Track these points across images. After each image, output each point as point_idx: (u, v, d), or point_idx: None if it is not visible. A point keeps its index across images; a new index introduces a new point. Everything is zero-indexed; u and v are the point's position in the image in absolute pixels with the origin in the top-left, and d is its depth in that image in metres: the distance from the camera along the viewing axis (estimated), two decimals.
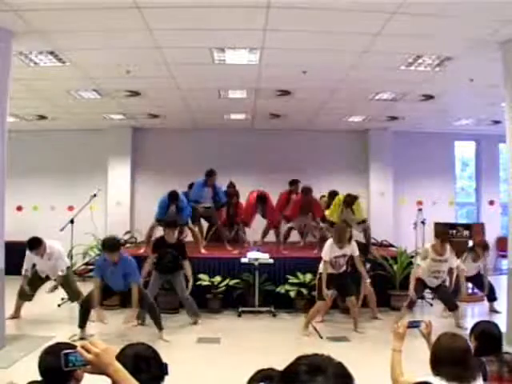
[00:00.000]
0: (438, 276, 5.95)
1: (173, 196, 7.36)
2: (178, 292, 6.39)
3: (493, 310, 6.87)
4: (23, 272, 6.31)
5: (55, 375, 2.02)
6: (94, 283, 5.64)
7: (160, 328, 5.64)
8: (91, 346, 1.34)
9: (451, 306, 6.07)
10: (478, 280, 7.01)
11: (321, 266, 5.92)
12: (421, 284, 6.01)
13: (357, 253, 5.99)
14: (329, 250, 5.83)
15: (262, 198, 7.88)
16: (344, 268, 6.00)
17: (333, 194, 8.37)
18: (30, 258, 6.25)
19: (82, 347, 1.34)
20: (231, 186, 8.73)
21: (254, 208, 7.98)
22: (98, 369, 1.34)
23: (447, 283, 6.11)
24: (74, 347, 2.16)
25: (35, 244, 6.04)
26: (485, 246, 6.92)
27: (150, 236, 7.48)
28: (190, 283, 6.28)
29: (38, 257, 6.13)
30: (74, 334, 5.51)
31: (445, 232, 6.02)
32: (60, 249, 6.35)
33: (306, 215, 8.05)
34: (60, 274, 6.23)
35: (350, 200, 7.15)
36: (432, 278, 5.96)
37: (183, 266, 6.33)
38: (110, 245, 5.49)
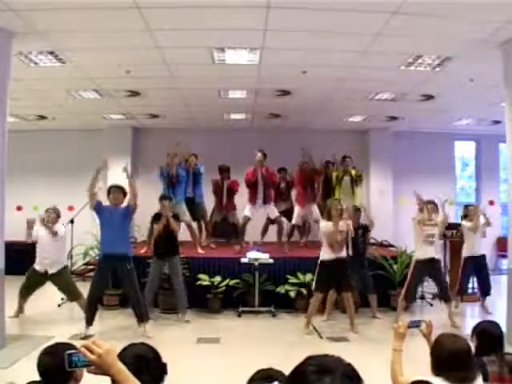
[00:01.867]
0: (432, 241, 6.17)
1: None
2: (173, 278, 6.45)
3: (483, 306, 6.95)
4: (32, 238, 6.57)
5: (54, 375, 2.02)
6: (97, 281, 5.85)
7: (140, 321, 5.74)
8: (94, 347, 1.34)
9: (446, 297, 6.23)
10: (481, 274, 7.02)
11: (322, 252, 6.05)
12: (419, 269, 6.13)
13: (351, 228, 6.10)
14: (325, 225, 6.00)
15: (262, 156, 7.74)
16: (344, 252, 6.01)
17: (328, 163, 8.66)
18: (36, 230, 6.48)
19: (85, 347, 1.34)
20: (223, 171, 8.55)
21: (255, 174, 7.76)
22: (101, 369, 1.34)
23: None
24: (74, 347, 2.16)
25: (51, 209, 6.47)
26: (475, 207, 7.35)
27: (151, 235, 7.51)
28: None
29: (47, 228, 6.31)
30: (75, 334, 5.52)
31: (430, 200, 6.39)
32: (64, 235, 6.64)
33: (312, 200, 8.05)
34: (50, 272, 6.25)
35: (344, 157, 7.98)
36: (427, 245, 6.14)
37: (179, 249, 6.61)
38: (117, 186, 5.94)
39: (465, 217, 7.35)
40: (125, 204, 5.88)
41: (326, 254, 5.96)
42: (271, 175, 7.91)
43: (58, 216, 6.51)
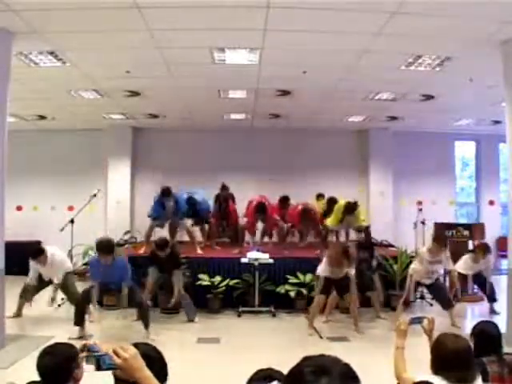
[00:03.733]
0: (432, 276, 6.10)
1: (164, 192, 7.40)
2: (175, 288, 6.40)
3: (492, 311, 6.89)
4: (28, 280, 6.31)
5: (54, 375, 2.02)
6: (92, 285, 5.70)
7: (146, 326, 5.67)
8: (120, 351, 1.35)
9: (445, 305, 6.18)
10: (478, 278, 7.00)
11: (320, 267, 5.99)
12: (416, 283, 6.15)
13: (352, 272, 5.96)
14: (324, 269, 5.92)
15: (262, 208, 7.89)
16: (344, 272, 5.99)
17: (331, 201, 8.45)
18: (34, 267, 6.26)
19: (113, 351, 1.35)
20: (224, 188, 8.75)
21: (254, 218, 7.96)
22: (126, 373, 1.35)
23: (447, 284, 6.16)
24: (74, 347, 2.16)
25: (37, 253, 6.07)
26: (485, 249, 6.92)
27: (149, 236, 7.50)
28: (175, 294, 6.22)
29: (41, 265, 6.16)
30: (75, 334, 5.51)
31: (443, 237, 6.13)
32: (61, 256, 6.39)
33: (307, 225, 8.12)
34: (56, 281, 6.22)
35: (351, 207, 7.39)
36: (426, 279, 6.11)
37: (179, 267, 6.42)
38: (104, 247, 5.56)
39: (472, 251, 7.11)
40: (121, 269, 5.68)
41: (323, 271, 5.95)
42: (271, 217, 8.03)
43: (42, 252, 6.10)
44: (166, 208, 7.49)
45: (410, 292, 6.12)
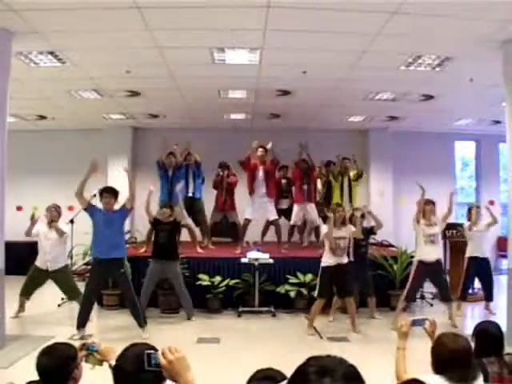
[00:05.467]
0: (434, 240, 6.12)
1: (169, 153, 7.77)
2: (174, 284, 6.44)
3: (488, 309, 6.92)
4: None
5: (53, 375, 2.02)
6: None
7: (140, 325, 5.71)
8: (167, 352, 1.37)
9: (446, 297, 6.18)
10: (483, 272, 6.99)
11: (323, 258, 6.00)
12: (421, 270, 6.09)
13: (351, 235, 6.08)
14: (327, 231, 5.94)
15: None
16: (346, 258, 5.99)
17: (328, 164, 8.83)
18: (37, 229, 6.43)
19: (162, 352, 1.41)
20: (223, 166, 8.63)
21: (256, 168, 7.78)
22: (170, 375, 1.37)
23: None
24: (73, 347, 2.16)
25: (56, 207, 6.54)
26: (477, 206, 7.34)
27: (149, 237, 7.50)
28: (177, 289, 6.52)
29: (46, 226, 6.34)
30: (74, 334, 5.51)
31: (430, 200, 6.41)
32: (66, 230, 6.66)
33: (309, 198, 8.04)
34: (50, 268, 6.24)
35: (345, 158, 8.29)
36: (429, 245, 6.09)
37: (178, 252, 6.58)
38: (109, 187, 5.89)
39: (469, 219, 7.21)
40: (118, 206, 5.79)
41: (327, 260, 5.94)
42: (270, 168, 7.92)
43: (59, 214, 6.56)
44: (167, 178, 7.79)
45: (416, 284, 6.14)
